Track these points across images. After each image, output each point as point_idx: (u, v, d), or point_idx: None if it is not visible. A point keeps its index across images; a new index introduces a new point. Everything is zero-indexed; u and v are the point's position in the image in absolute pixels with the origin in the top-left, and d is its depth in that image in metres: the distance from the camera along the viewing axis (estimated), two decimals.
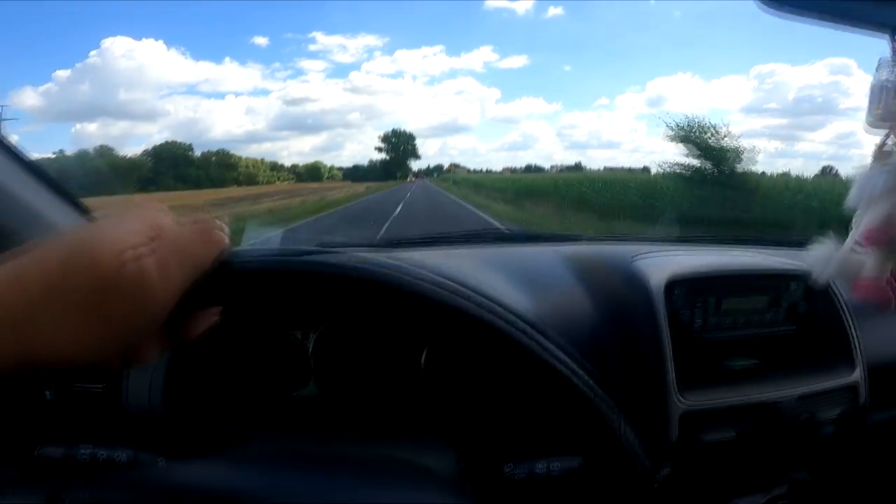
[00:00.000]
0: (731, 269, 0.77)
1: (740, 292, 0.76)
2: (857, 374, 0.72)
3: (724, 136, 13.21)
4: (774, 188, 12.54)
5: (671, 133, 13.82)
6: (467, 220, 11.84)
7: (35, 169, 0.61)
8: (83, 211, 0.71)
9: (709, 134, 13.27)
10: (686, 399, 0.64)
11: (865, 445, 0.77)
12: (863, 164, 0.46)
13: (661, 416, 0.64)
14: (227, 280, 0.32)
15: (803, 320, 0.78)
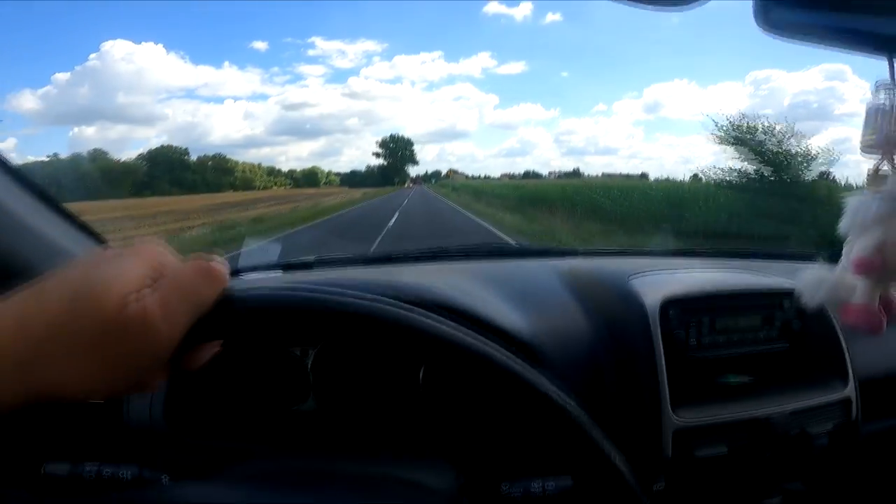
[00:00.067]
0: (726, 288, 0.78)
1: (735, 311, 0.77)
2: (849, 389, 0.73)
3: (789, 137, 10.86)
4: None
5: (720, 134, 11.57)
6: (476, 237, 10.23)
7: (46, 196, 0.61)
8: (97, 239, 0.71)
9: (767, 135, 11.01)
10: (680, 416, 0.66)
11: (858, 456, 0.78)
12: (855, 190, 0.45)
13: (656, 433, 0.65)
14: (228, 317, 0.33)
15: (797, 337, 0.79)
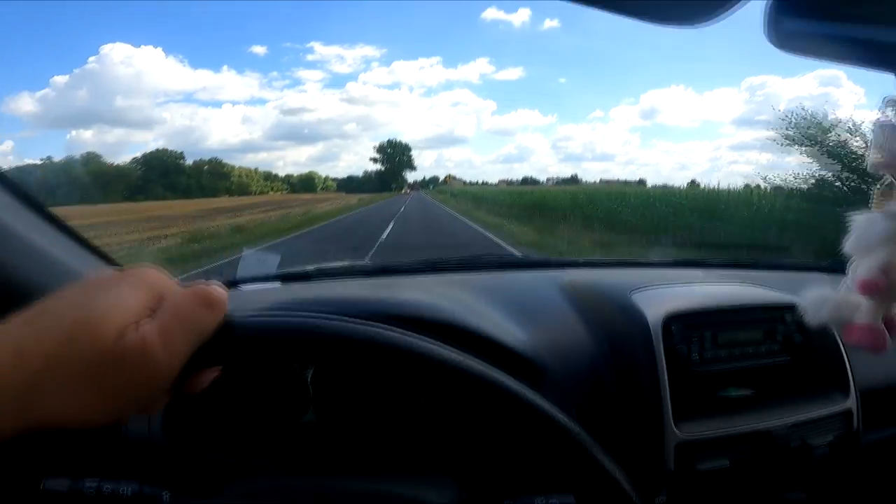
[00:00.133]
0: (728, 303, 0.79)
1: (737, 325, 0.77)
2: (850, 401, 0.74)
3: (857, 135, 8.69)
4: None
5: (785, 133, 9.58)
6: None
7: (51, 216, 0.61)
8: (103, 258, 0.70)
9: (852, 134, 8.73)
10: (682, 430, 0.66)
11: (859, 465, 0.78)
12: (862, 210, 0.44)
13: (658, 447, 0.65)
14: (229, 345, 0.33)
15: (799, 350, 0.79)
